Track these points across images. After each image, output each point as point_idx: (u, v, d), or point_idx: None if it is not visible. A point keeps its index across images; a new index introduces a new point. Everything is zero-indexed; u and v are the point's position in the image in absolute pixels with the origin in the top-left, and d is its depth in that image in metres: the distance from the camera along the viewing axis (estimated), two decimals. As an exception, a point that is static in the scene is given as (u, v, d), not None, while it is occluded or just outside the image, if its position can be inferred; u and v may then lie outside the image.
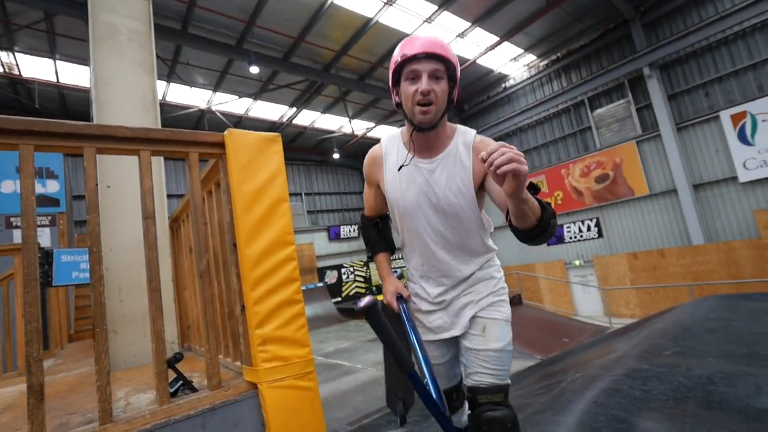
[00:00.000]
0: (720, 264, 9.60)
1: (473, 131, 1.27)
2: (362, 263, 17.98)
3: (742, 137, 9.42)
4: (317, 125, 14.94)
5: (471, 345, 1.27)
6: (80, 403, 1.59)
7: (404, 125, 1.32)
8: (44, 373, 1.11)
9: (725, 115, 9.61)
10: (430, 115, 1.13)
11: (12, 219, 5.48)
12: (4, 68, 9.33)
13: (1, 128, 1.04)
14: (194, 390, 1.42)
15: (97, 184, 1.19)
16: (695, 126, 10.18)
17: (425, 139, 1.21)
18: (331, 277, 16.92)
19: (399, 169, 1.26)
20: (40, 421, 1.03)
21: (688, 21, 9.97)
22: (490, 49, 11.43)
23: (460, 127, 1.28)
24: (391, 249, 1.49)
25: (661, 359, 2.12)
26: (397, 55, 1.16)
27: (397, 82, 1.20)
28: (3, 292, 3.37)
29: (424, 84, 1.11)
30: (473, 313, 1.29)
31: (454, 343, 1.38)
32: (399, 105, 1.23)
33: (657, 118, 10.52)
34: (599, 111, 11.97)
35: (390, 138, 1.34)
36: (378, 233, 1.48)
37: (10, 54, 8.89)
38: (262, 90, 11.83)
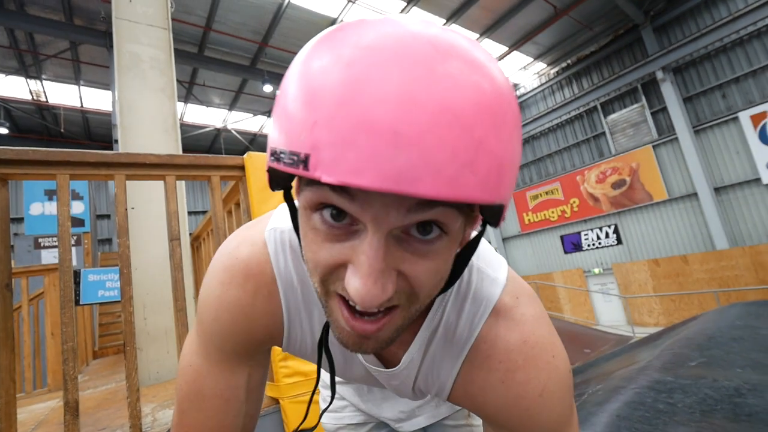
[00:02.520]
0: (747, 269, 9.27)
1: (492, 297, 0.47)
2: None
3: (764, 138, 9.16)
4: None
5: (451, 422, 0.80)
6: (110, 419, 1.65)
7: None
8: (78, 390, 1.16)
9: (744, 116, 9.39)
10: (370, 342, 0.36)
11: (40, 240, 5.70)
12: (32, 96, 9.83)
13: (41, 160, 1.12)
14: (218, 405, 1.46)
15: (126, 209, 1.26)
16: (713, 128, 9.97)
17: None
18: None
19: (322, 349, 0.53)
20: (76, 437, 1.08)
21: (701, 23, 9.85)
22: (499, 59, 11.49)
23: (469, 284, 0.48)
24: None
25: (686, 370, 2.06)
26: (308, 114, 0.28)
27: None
28: (33, 311, 3.51)
29: (365, 266, 0.29)
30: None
31: None
32: (294, 222, 0.40)
33: (673, 121, 10.35)
34: (613, 116, 11.83)
35: (284, 260, 0.51)
36: None
37: (38, 82, 9.37)
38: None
